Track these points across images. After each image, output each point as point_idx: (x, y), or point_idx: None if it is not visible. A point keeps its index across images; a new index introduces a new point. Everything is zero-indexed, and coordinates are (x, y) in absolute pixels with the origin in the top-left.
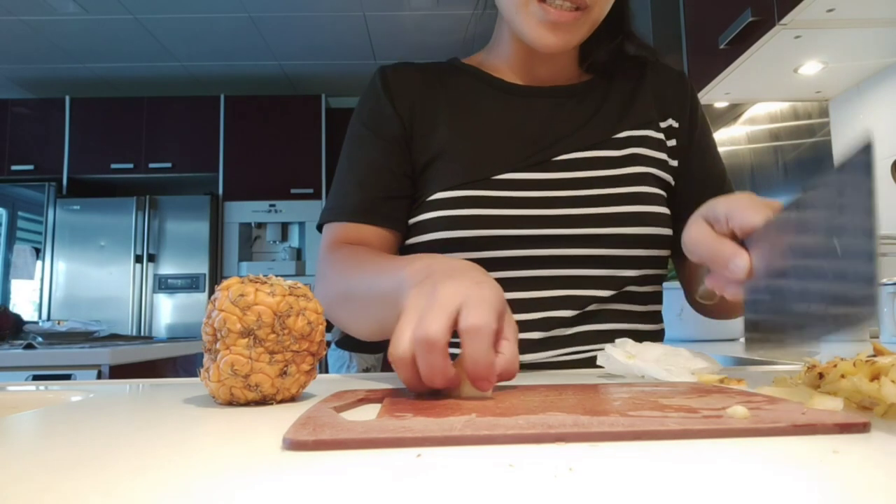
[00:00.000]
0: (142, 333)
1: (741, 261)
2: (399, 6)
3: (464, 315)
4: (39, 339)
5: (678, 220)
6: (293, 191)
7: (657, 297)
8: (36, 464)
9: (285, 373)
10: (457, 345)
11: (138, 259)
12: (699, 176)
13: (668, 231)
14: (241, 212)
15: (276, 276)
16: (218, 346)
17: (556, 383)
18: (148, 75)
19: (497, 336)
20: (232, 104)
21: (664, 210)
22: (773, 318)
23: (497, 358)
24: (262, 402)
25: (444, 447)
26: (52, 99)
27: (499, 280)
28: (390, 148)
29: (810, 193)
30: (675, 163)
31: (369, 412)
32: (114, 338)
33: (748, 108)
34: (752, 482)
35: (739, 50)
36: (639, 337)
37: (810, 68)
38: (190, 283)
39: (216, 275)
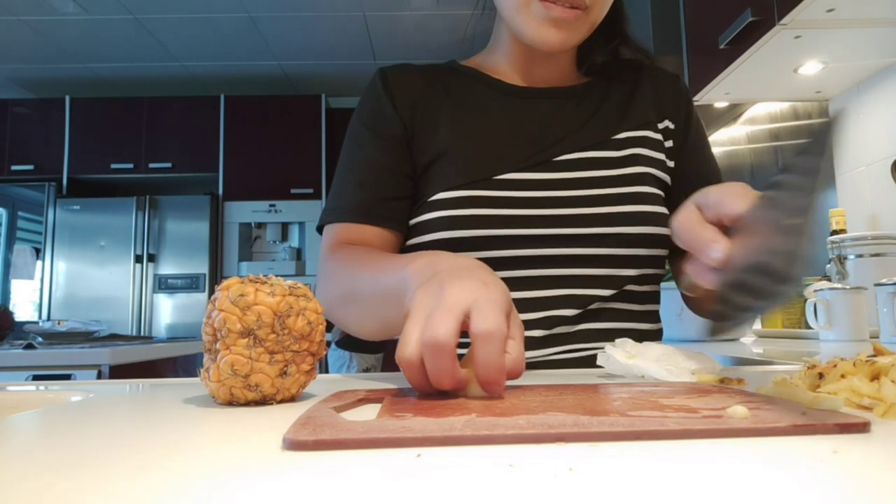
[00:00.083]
0: (142, 333)
1: (718, 247)
2: (399, 6)
3: (475, 319)
4: (39, 339)
5: None
6: (293, 191)
7: (655, 297)
8: (36, 464)
9: (285, 373)
10: (461, 344)
11: (138, 259)
12: (693, 176)
13: (666, 230)
14: (241, 212)
15: (276, 276)
16: (218, 346)
17: (556, 383)
18: (148, 75)
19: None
20: (232, 104)
21: (663, 210)
22: (732, 300)
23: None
24: (262, 402)
25: (444, 447)
26: (52, 99)
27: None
28: (391, 148)
29: (778, 177)
30: (671, 163)
31: (369, 412)
32: (114, 338)
33: (748, 108)
34: (752, 482)
35: (739, 50)
36: (638, 336)
37: (810, 68)
38: (190, 283)
39: (216, 275)
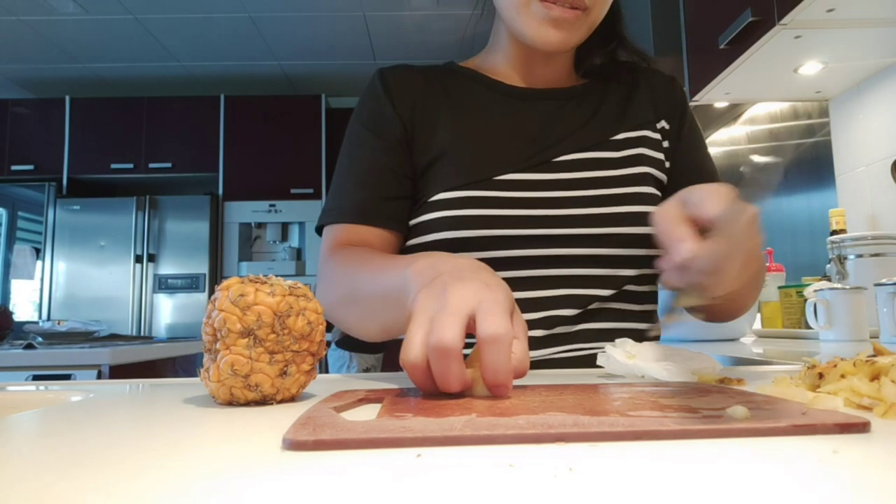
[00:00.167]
0: (142, 333)
1: (684, 246)
2: (399, 6)
3: (481, 323)
4: (39, 339)
5: None
6: (293, 191)
7: (653, 297)
8: (36, 464)
9: (285, 373)
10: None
11: (138, 259)
12: (687, 176)
13: None
14: (241, 212)
15: (276, 276)
16: (218, 346)
17: (556, 383)
18: (148, 75)
19: None
20: (232, 104)
21: None
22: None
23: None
24: (262, 402)
25: (444, 447)
26: (52, 99)
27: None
28: (391, 148)
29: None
30: (668, 164)
31: (369, 412)
32: (114, 338)
33: (748, 108)
34: (752, 482)
35: (739, 50)
36: (637, 336)
37: (810, 68)
38: (190, 283)
39: (216, 275)
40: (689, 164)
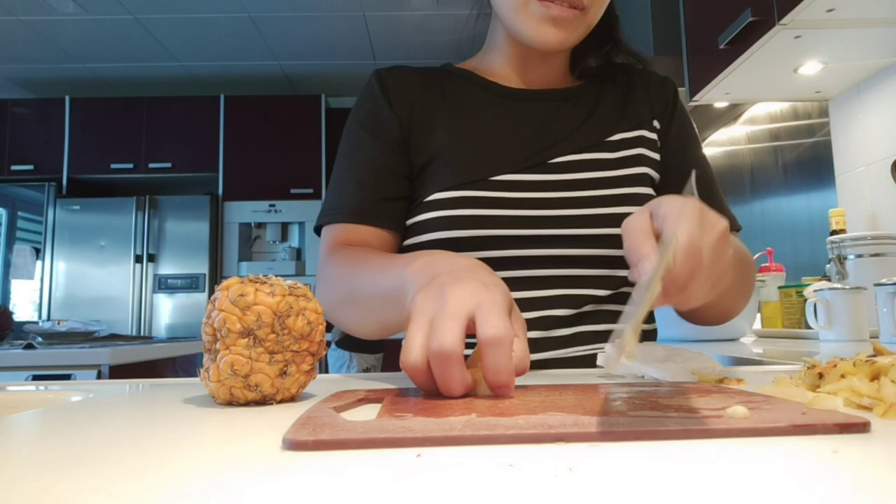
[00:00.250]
0: (142, 333)
1: (646, 265)
2: (399, 6)
3: (481, 326)
4: (39, 339)
5: None
6: (293, 191)
7: None
8: (36, 464)
9: (285, 373)
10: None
11: (138, 259)
12: (675, 175)
13: None
14: (241, 212)
15: (276, 276)
16: (218, 346)
17: (556, 383)
18: (148, 75)
19: None
20: (232, 104)
21: None
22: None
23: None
24: (262, 402)
25: (444, 447)
26: (52, 99)
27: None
28: (389, 149)
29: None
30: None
31: (369, 412)
32: (114, 338)
33: (748, 108)
34: (752, 482)
35: (739, 50)
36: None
37: (810, 68)
38: (190, 283)
39: (216, 275)
40: (679, 164)
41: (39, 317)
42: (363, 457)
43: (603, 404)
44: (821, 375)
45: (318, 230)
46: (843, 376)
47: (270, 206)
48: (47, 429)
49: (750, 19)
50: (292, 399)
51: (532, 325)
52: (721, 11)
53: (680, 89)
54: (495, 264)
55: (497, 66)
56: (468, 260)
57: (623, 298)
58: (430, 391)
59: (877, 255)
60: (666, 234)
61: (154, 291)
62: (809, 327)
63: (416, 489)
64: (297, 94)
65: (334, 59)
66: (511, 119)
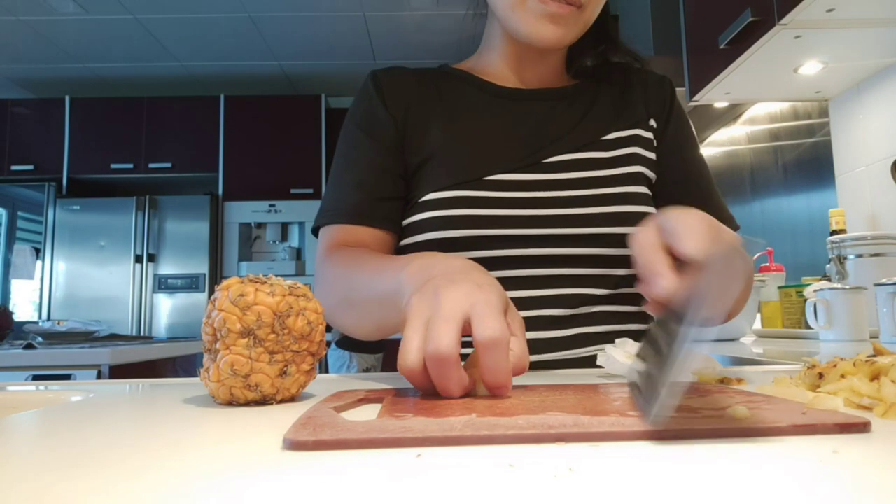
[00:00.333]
0: (142, 333)
1: (663, 283)
2: (399, 6)
3: (477, 327)
4: (39, 339)
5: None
6: (293, 191)
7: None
8: (36, 464)
9: (285, 373)
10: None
11: (138, 259)
12: (671, 175)
13: None
14: (241, 212)
15: (276, 276)
16: (218, 346)
17: (556, 383)
18: (148, 75)
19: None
20: (232, 104)
21: (653, 209)
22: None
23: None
24: (262, 402)
25: (444, 447)
26: (52, 99)
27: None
28: (385, 149)
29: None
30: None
31: (369, 412)
32: (114, 338)
33: (748, 108)
34: (752, 482)
35: (739, 50)
36: (632, 337)
37: (810, 68)
38: (190, 283)
39: (216, 275)
40: (676, 164)
41: (39, 317)
42: (363, 457)
43: (603, 404)
44: (821, 375)
45: (315, 231)
46: (843, 376)
47: (270, 206)
48: (47, 429)
49: (750, 19)
50: (292, 399)
51: (528, 324)
52: (721, 11)
53: (680, 89)
54: (491, 264)
55: (493, 65)
56: (463, 261)
57: (620, 298)
58: (428, 391)
59: (877, 255)
60: (685, 251)
61: (154, 291)
62: (809, 327)
63: (416, 489)
64: (297, 94)
65: (334, 59)
66: (507, 119)
